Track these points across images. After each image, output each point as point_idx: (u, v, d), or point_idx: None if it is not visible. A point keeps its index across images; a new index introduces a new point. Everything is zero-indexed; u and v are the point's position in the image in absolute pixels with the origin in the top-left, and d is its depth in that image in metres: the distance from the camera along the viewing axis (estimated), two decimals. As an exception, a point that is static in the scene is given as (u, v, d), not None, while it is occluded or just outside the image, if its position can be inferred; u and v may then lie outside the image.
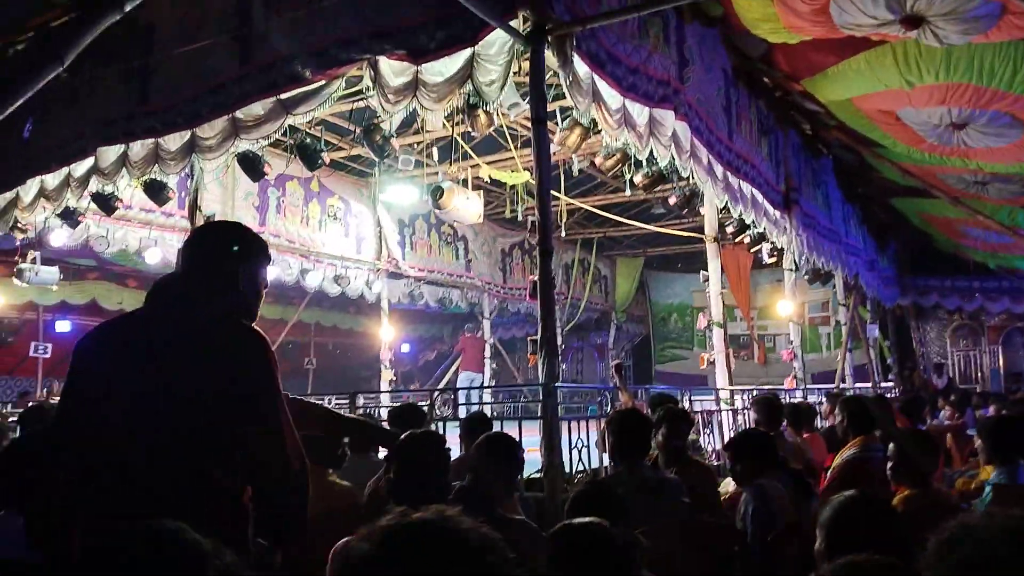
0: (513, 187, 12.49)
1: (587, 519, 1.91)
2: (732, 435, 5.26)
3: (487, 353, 16.27)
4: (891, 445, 3.61)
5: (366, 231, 13.55)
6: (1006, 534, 1.08)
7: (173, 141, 7.01)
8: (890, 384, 15.55)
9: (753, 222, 8.95)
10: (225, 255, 2.15)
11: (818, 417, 6.79)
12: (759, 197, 8.72)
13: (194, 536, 1.21)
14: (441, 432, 5.47)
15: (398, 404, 5.59)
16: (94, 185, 7.90)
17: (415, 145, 11.29)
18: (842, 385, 13.18)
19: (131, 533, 1.21)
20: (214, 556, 1.19)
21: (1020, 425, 4.20)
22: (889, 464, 3.56)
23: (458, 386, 13.49)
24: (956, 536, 1.12)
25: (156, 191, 7.91)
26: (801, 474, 3.74)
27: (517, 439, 3.34)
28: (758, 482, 3.31)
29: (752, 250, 11.10)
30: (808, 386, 11.54)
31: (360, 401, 8.59)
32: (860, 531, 2.02)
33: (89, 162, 7.74)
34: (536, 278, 4.99)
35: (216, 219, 9.39)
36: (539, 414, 4.84)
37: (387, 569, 0.98)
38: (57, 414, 2.01)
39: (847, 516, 2.06)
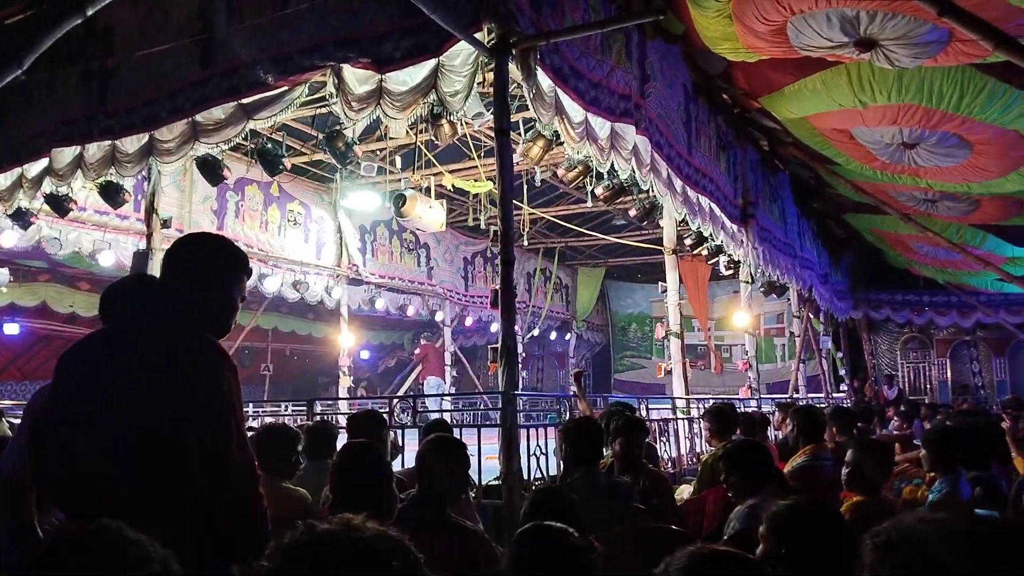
0: (476, 196, 12.55)
1: (550, 523, 1.95)
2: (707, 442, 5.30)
3: (447, 361, 16.26)
4: (849, 452, 3.68)
5: (326, 236, 13.48)
6: (944, 537, 1.07)
7: (131, 143, 6.92)
8: (842, 395, 15.90)
9: (711, 235, 9.09)
10: (206, 267, 2.15)
11: (770, 427, 6.92)
12: (717, 211, 8.87)
13: (132, 536, 1.19)
14: (399, 439, 5.48)
15: (354, 412, 5.57)
16: (48, 186, 7.76)
17: (378, 152, 11.28)
18: (795, 395, 13.44)
19: (68, 534, 1.21)
20: (153, 556, 1.17)
21: (962, 436, 4.36)
22: (845, 471, 3.64)
23: (426, 392, 13.41)
24: (893, 539, 1.12)
25: (112, 193, 7.78)
26: (798, 491, 3.67)
27: (464, 443, 3.37)
28: (752, 503, 3.24)
29: (710, 262, 11.26)
30: (763, 396, 11.75)
31: (318, 408, 8.52)
32: (805, 535, 2.06)
33: (43, 163, 7.58)
34: (498, 287, 5.03)
35: (173, 223, 9.29)
36: (499, 421, 4.88)
37: None
38: (34, 431, 2.02)
39: (791, 520, 2.09)
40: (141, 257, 8.39)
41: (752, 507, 3.22)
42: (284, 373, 18.76)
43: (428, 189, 10.70)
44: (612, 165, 6.58)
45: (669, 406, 9.37)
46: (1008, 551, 1.07)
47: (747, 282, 11.30)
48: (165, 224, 8.59)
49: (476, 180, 10.97)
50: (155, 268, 8.12)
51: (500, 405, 4.79)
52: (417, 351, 14.54)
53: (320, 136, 7.59)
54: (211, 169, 7.56)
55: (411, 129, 8.77)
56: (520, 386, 5.05)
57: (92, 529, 1.19)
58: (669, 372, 10.00)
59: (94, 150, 7.14)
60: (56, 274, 13.81)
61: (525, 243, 14.47)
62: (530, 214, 13.39)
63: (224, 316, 2.15)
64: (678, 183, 7.71)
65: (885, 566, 1.09)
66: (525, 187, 11.74)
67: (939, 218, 11.33)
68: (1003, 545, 1.07)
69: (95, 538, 1.17)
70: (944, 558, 1.02)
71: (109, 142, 6.98)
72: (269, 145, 7.78)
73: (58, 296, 14.24)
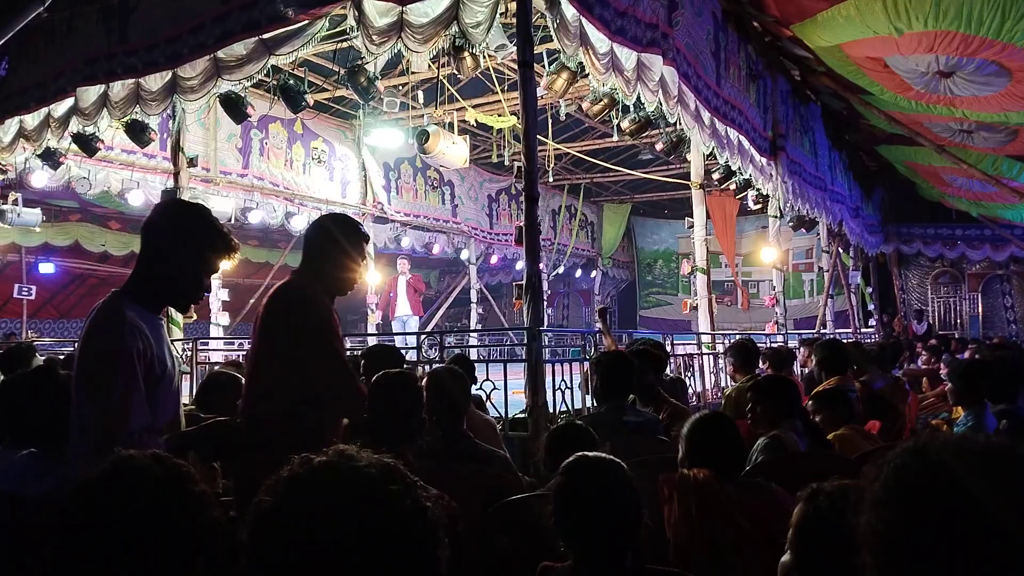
0: (500, 131, 12.42)
1: (600, 454, 1.98)
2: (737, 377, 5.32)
3: (473, 298, 16.36)
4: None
5: (351, 175, 13.47)
6: (965, 455, 0.94)
7: (154, 81, 6.91)
8: (871, 330, 15.82)
9: (739, 169, 8.97)
10: (165, 235, 2.26)
11: (796, 363, 6.93)
12: (746, 143, 8.73)
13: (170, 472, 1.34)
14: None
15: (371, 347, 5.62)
16: (75, 126, 7.80)
17: (400, 87, 11.16)
18: (823, 331, 13.40)
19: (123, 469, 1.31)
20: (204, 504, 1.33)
21: (989, 368, 4.34)
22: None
23: (395, 330, 12.83)
24: (909, 463, 0.97)
25: (137, 132, 7.81)
26: (818, 428, 3.72)
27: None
28: (774, 433, 3.31)
29: (738, 197, 11.13)
30: (790, 331, 11.73)
31: (347, 344, 8.66)
32: (709, 442, 2.47)
33: (69, 102, 7.62)
34: (522, 224, 5.02)
35: (199, 161, 9.33)
36: (524, 357, 4.94)
37: (292, 517, 1.01)
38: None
39: (700, 430, 2.52)
40: (170, 196, 8.47)
41: (774, 438, 3.27)
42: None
43: (451, 125, 10.60)
44: (638, 97, 6.48)
45: (695, 342, 9.39)
46: None
47: (776, 216, 11.16)
48: (191, 163, 8.64)
49: (499, 115, 10.84)
50: (183, 207, 8.21)
51: (525, 341, 4.85)
52: (383, 294, 12.96)
53: (342, 71, 7.52)
54: (234, 106, 7.54)
55: (433, 63, 8.64)
56: (545, 322, 5.09)
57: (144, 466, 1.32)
58: (695, 308, 10.01)
59: (118, 88, 7.15)
60: (87, 214, 14.03)
61: (550, 179, 14.36)
62: (555, 149, 13.25)
63: (179, 288, 2.28)
64: (706, 115, 7.57)
65: (897, 494, 0.96)
66: (549, 122, 11.59)
67: (975, 149, 11.03)
68: None
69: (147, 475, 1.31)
70: (965, 480, 0.91)
71: (133, 80, 6.98)
72: (291, 81, 7.71)
73: (89, 235, 14.49)
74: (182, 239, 2.27)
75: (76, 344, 2.31)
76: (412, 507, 1.05)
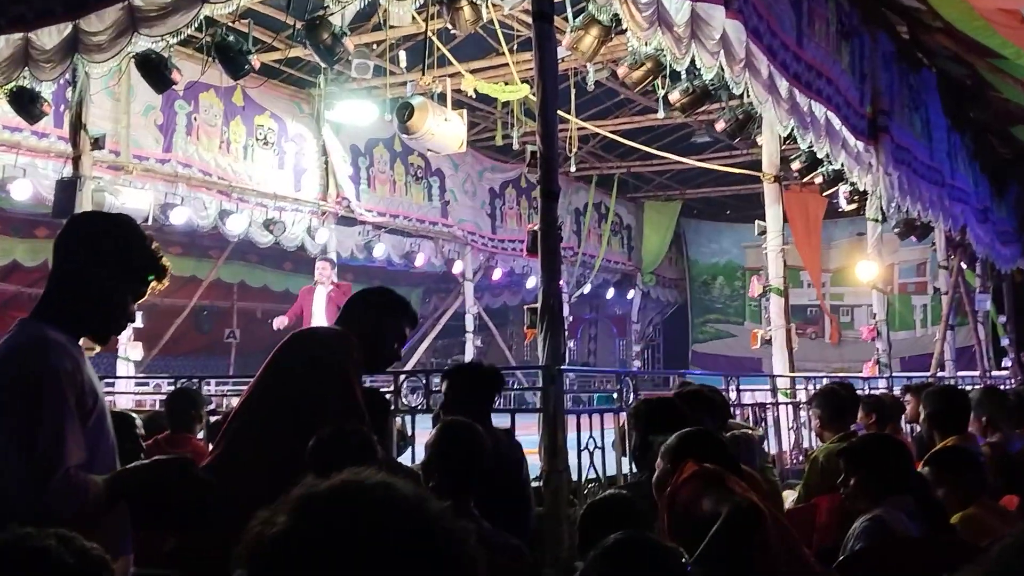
0: (506, 104, 12.48)
1: (647, 534, 1.98)
2: (860, 439, 5.31)
3: (469, 326, 16.36)
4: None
5: (308, 161, 13.55)
6: None
7: (48, 36, 6.97)
8: (1004, 372, 15.74)
9: (827, 156, 8.98)
10: (78, 257, 2.47)
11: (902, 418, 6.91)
12: (836, 122, 8.74)
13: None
14: (407, 427, 5.58)
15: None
16: (-58, 94, 7.89)
17: (375, 46, 11.24)
18: (939, 373, 13.34)
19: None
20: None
21: None
22: None
23: None
24: None
25: (26, 104, 7.88)
26: (938, 506, 3.70)
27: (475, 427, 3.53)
28: (876, 513, 3.29)
29: (825, 193, 11.14)
30: (895, 374, 11.68)
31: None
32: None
33: (-65, 63, 7.71)
34: (536, 227, 5.04)
35: (106, 142, 9.38)
36: (539, 405, 4.93)
37: (309, 540, 1.06)
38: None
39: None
40: (66, 188, 8.52)
41: (876, 519, 3.25)
42: (254, 340, 18.99)
43: (443, 96, 10.66)
44: (692, 61, 6.50)
45: (767, 387, 9.36)
46: None
47: (876, 220, 11.15)
48: (96, 144, 8.69)
49: (507, 83, 10.90)
50: (84, 202, 8.29)
51: (540, 384, 4.85)
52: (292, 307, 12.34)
53: (298, 25, 7.60)
54: (155, 70, 7.62)
55: (419, 14, 8.72)
56: (567, 359, 5.10)
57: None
58: (768, 342, 9.98)
59: (1, 46, 7.23)
60: (-47, 211, 14.08)
61: (573, 169, 14.42)
62: (580, 129, 13.30)
63: (94, 316, 2.48)
64: (783, 84, 7.59)
65: None
66: (573, 92, 11.64)
67: None
68: None
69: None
70: None
71: (20, 35, 7.05)
72: (231, 38, 7.80)
73: (-43, 241, 14.52)
74: (99, 261, 2.43)
75: None
76: (457, 533, 1.13)
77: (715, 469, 2.73)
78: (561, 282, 5.30)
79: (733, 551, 2.46)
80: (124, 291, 2.48)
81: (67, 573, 1.31)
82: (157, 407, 7.17)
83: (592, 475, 5.60)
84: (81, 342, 2.46)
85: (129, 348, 10.84)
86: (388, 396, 5.78)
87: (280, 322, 11.84)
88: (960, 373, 14.15)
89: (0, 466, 2.18)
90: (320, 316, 11.41)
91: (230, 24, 8.32)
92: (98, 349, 2.65)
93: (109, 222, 2.61)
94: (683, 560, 1.89)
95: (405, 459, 5.00)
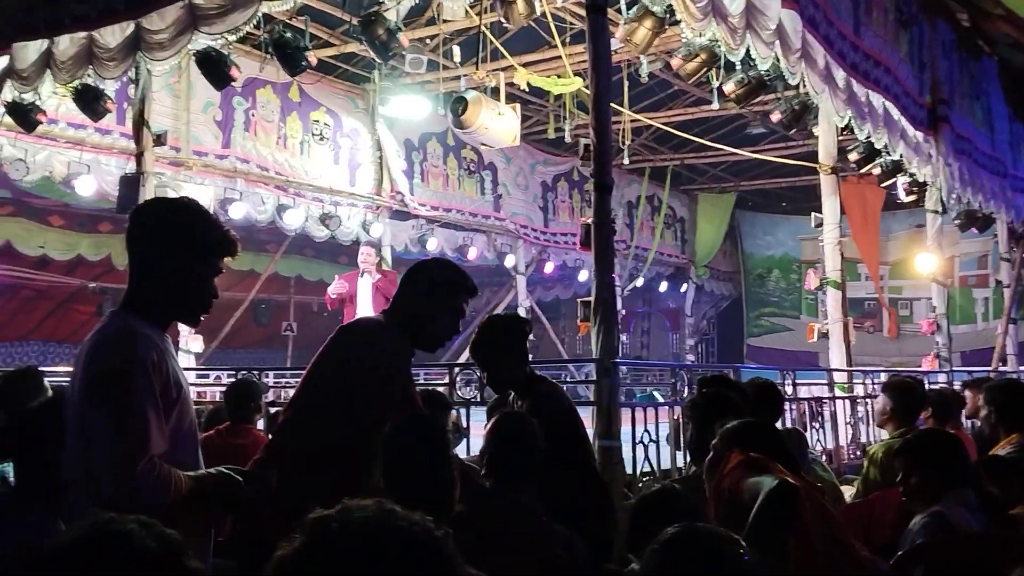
0: (559, 97, 12.46)
1: (709, 526, 1.97)
2: (910, 436, 5.25)
3: (523, 311, 16.40)
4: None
5: (362, 156, 13.67)
6: None
7: (112, 35, 7.11)
8: (1068, 368, 15.42)
9: (886, 147, 8.87)
10: (150, 243, 2.53)
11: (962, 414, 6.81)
12: (895, 113, 8.64)
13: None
14: (462, 419, 5.62)
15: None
16: (8, 92, 8.07)
17: (428, 40, 11.30)
18: (1001, 367, 13.11)
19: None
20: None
21: None
22: None
23: None
24: None
25: (90, 101, 8.04)
26: (997, 500, 3.64)
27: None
28: (936, 509, 3.25)
29: (884, 185, 10.97)
30: (955, 368, 11.49)
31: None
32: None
33: (3, 62, 7.89)
34: (589, 220, 5.04)
35: (168, 138, 9.53)
36: (592, 398, 4.93)
37: (319, 559, 1.18)
38: None
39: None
40: (129, 184, 8.68)
41: (936, 515, 3.20)
42: (311, 333, 19.20)
43: (496, 90, 10.68)
44: (747, 52, 6.46)
45: (824, 381, 9.27)
46: None
47: (936, 212, 10.98)
48: (159, 140, 8.85)
49: (560, 76, 10.89)
50: (147, 196, 8.42)
51: (595, 377, 4.85)
52: (334, 285, 11.03)
53: (354, 21, 7.65)
54: (215, 67, 7.72)
55: (472, 8, 8.75)
56: (619, 353, 5.10)
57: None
58: (825, 335, 9.88)
59: (66, 44, 7.38)
60: (21, 206, 14.39)
61: (625, 161, 14.34)
62: (633, 121, 13.24)
63: (181, 299, 2.55)
64: (840, 75, 7.52)
65: None
66: (626, 85, 11.59)
67: None
68: None
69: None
70: None
71: (84, 33, 7.20)
72: (288, 34, 7.88)
73: (24, 234, 14.83)
74: (173, 245, 2.49)
75: (72, 373, 2.51)
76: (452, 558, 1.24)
77: (760, 457, 2.71)
78: (614, 275, 5.29)
79: (773, 532, 2.45)
80: (202, 270, 2.54)
81: (149, 557, 1.34)
82: (217, 399, 7.27)
83: (646, 468, 5.60)
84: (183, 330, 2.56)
85: (190, 341, 11.00)
86: (442, 389, 5.83)
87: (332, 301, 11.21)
88: (1022, 368, 13.88)
89: (91, 453, 2.26)
90: (366, 306, 10.76)
91: (287, 21, 8.41)
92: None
93: (174, 206, 2.66)
94: (742, 550, 1.88)
95: (460, 451, 5.03)
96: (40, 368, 3.78)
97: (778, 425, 5.12)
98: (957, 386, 8.95)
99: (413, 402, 3.21)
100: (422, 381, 8.70)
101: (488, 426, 3.35)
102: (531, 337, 4.05)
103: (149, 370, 2.31)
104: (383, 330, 3.27)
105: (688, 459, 4.40)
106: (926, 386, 8.42)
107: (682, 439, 4.72)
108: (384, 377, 3.11)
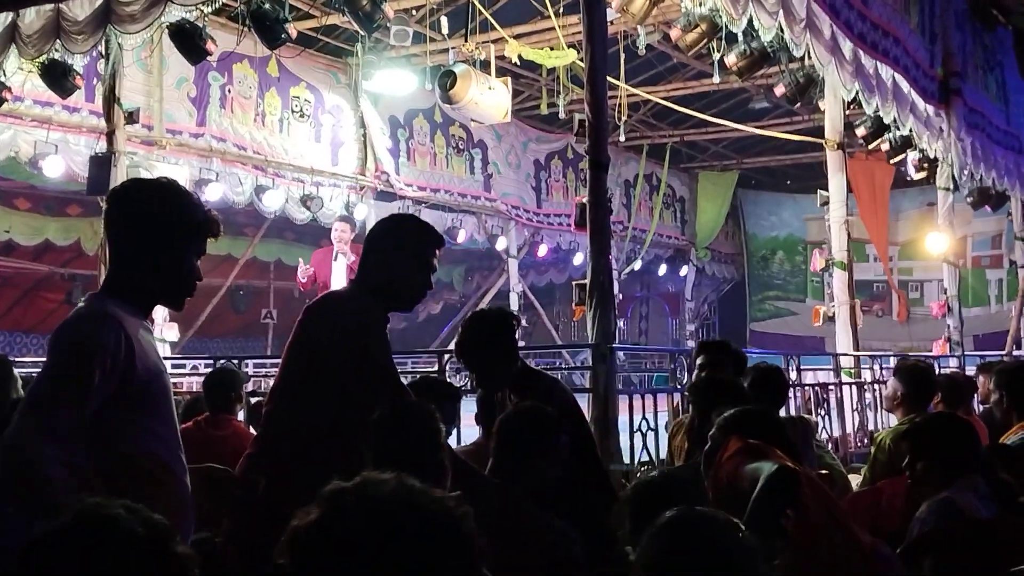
0: (552, 71, 12.45)
1: (707, 510, 2.00)
2: (920, 419, 5.29)
3: (513, 305, 16.39)
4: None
5: (345, 133, 13.64)
6: None
7: (80, 7, 7.11)
8: (1086, 352, 15.50)
9: (895, 121, 8.90)
10: (129, 226, 2.58)
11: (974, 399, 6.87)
12: (904, 85, 8.66)
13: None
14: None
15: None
16: (-28, 69, 8.06)
17: (414, 12, 11.27)
18: (1016, 351, 13.18)
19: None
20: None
21: None
22: None
23: None
24: None
25: (57, 77, 8.02)
26: (1008, 487, 3.66)
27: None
28: (945, 495, 3.27)
29: (892, 161, 11.01)
30: (967, 352, 11.56)
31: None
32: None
33: (-35, 37, 7.87)
34: (584, 200, 5.06)
35: (140, 116, 9.50)
36: (588, 385, 4.96)
37: (338, 529, 1.24)
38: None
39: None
40: (100, 164, 8.66)
41: (945, 502, 3.24)
42: (292, 321, 19.11)
43: (486, 63, 10.67)
44: (750, 21, 6.48)
45: (830, 366, 9.33)
46: None
47: (947, 189, 11.02)
48: (130, 118, 8.82)
49: (553, 48, 10.88)
50: (119, 178, 8.40)
51: (591, 363, 4.88)
52: (301, 271, 10.62)
53: (335, -10, 7.64)
54: (189, 41, 7.71)
55: (461, -23, 8.72)
56: (617, 338, 5.13)
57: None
58: (831, 319, 9.93)
59: (32, 17, 7.36)
60: (-15, 189, 14.34)
61: (622, 138, 14.35)
62: (630, 96, 13.23)
63: (162, 282, 2.60)
64: (847, 45, 7.54)
65: None
66: (622, 57, 11.58)
67: None
68: None
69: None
70: None
71: (51, 6, 7.18)
72: (267, 6, 7.86)
73: (-12, 219, 14.78)
74: (154, 227, 2.53)
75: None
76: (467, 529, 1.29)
77: (759, 444, 2.76)
78: (611, 257, 5.31)
79: (773, 517, 2.49)
80: (186, 252, 2.59)
81: (137, 542, 1.38)
82: (195, 389, 7.28)
83: (644, 458, 5.64)
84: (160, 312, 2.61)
85: (165, 329, 10.94)
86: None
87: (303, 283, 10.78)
88: (1037, 352, 13.97)
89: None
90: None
91: (264, -9, 8.41)
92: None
93: (154, 187, 2.70)
94: (740, 534, 1.91)
95: (451, 440, 5.07)
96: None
97: (782, 413, 5.17)
98: (970, 371, 9.03)
99: (391, 374, 3.24)
100: (410, 369, 8.72)
101: (496, 423, 3.42)
102: (524, 324, 4.07)
103: (99, 354, 2.34)
104: (351, 298, 3.33)
105: (688, 446, 4.43)
106: (937, 371, 8.51)
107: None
108: (360, 344, 3.14)
